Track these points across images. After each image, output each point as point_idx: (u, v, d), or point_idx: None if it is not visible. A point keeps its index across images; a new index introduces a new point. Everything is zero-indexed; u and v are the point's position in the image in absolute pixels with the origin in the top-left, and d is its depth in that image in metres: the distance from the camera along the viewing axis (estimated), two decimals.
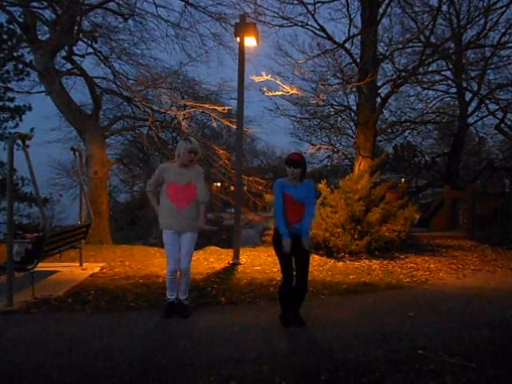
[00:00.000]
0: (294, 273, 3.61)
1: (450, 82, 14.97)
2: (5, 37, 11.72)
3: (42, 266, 4.92)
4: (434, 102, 16.39)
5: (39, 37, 9.99)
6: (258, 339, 3.31)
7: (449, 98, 17.00)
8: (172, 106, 10.80)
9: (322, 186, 7.48)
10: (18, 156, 4.35)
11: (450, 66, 13.96)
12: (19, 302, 4.17)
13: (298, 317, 3.66)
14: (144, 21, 10.19)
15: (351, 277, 5.62)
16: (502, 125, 15.49)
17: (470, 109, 15.63)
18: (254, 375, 2.70)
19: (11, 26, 11.66)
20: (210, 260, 6.74)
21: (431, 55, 10.08)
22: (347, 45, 10.09)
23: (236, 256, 6.55)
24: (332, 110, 15.28)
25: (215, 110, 10.46)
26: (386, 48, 11.27)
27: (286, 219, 3.53)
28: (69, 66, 10.72)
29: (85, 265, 5.93)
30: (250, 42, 6.85)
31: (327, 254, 6.95)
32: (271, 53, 23.30)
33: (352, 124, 15.89)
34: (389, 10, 10.10)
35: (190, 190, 3.82)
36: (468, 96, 15.51)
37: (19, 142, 4.39)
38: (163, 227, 3.85)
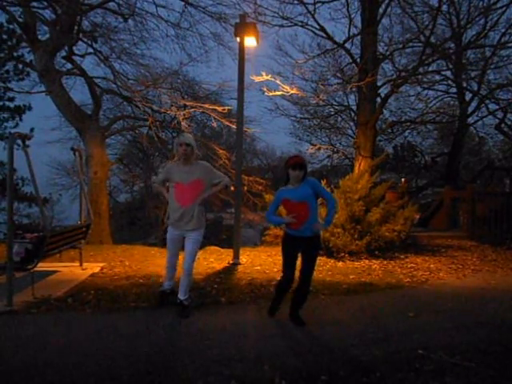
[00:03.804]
0: (295, 274, 3.68)
1: (450, 82, 15.00)
2: (5, 37, 11.73)
3: (42, 266, 4.91)
4: (434, 101, 16.44)
5: (39, 37, 9.99)
6: (258, 339, 3.31)
7: (449, 98, 17.06)
8: (172, 105, 10.79)
9: None
10: (18, 156, 4.35)
11: (450, 66, 13.97)
12: (19, 302, 4.17)
13: (297, 316, 3.69)
14: (144, 21, 10.20)
15: (351, 277, 5.61)
16: (502, 125, 15.51)
17: (470, 109, 15.67)
18: (254, 375, 2.70)
19: (11, 26, 11.67)
20: (210, 260, 6.73)
21: (431, 55, 10.09)
22: (347, 45, 10.12)
23: (236, 256, 6.55)
24: (332, 109, 15.33)
25: (215, 110, 10.45)
26: (386, 48, 11.31)
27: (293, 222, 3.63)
28: (69, 66, 10.73)
29: (85, 265, 5.93)
30: (249, 41, 6.84)
31: (327, 254, 6.94)
32: (271, 53, 23.48)
33: (352, 124, 15.94)
34: (389, 9, 10.12)
35: (195, 189, 3.84)
36: (468, 96, 15.53)
37: (19, 141, 4.40)
38: (169, 224, 4.01)
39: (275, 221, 3.94)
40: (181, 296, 3.93)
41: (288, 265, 3.66)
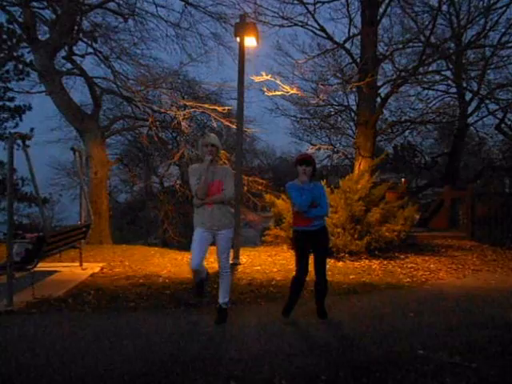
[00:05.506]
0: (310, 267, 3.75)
1: (449, 81, 14.98)
2: (5, 37, 11.71)
3: (42, 266, 4.92)
4: (434, 102, 16.43)
5: (39, 37, 10.00)
6: (258, 339, 3.31)
7: (449, 98, 17.04)
8: (172, 105, 10.80)
9: None
10: (17, 156, 4.35)
11: (450, 66, 13.98)
12: (19, 302, 4.17)
13: (322, 309, 3.81)
14: (144, 21, 10.24)
15: (351, 277, 5.61)
16: (502, 125, 15.50)
17: (470, 109, 15.67)
18: (254, 375, 2.70)
19: (11, 26, 11.65)
20: (210, 260, 6.70)
21: (431, 55, 10.09)
22: (347, 45, 10.13)
23: (236, 256, 6.55)
24: (332, 109, 15.32)
25: (215, 109, 10.46)
26: (386, 48, 11.31)
27: (304, 220, 3.70)
28: (69, 65, 10.75)
29: (85, 265, 5.93)
30: (250, 42, 6.85)
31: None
32: (271, 53, 23.48)
33: (352, 124, 15.94)
34: (389, 9, 10.15)
35: (217, 188, 3.82)
36: (468, 96, 15.53)
37: (19, 141, 4.40)
38: (195, 225, 3.84)
39: (314, 213, 3.71)
40: (220, 299, 3.79)
41: (301, 258, 3.71)
